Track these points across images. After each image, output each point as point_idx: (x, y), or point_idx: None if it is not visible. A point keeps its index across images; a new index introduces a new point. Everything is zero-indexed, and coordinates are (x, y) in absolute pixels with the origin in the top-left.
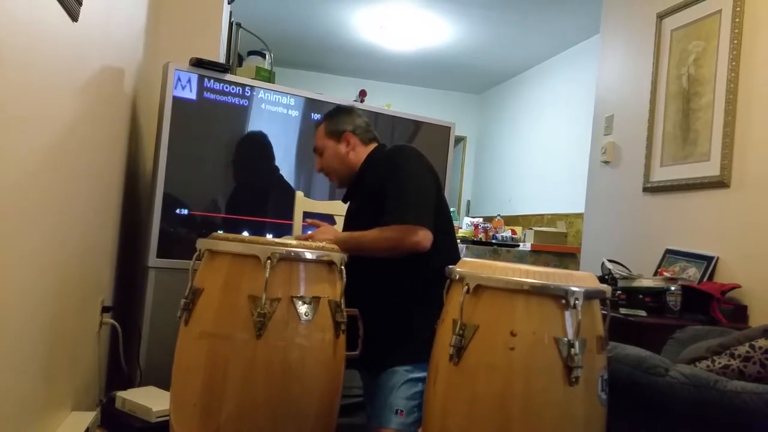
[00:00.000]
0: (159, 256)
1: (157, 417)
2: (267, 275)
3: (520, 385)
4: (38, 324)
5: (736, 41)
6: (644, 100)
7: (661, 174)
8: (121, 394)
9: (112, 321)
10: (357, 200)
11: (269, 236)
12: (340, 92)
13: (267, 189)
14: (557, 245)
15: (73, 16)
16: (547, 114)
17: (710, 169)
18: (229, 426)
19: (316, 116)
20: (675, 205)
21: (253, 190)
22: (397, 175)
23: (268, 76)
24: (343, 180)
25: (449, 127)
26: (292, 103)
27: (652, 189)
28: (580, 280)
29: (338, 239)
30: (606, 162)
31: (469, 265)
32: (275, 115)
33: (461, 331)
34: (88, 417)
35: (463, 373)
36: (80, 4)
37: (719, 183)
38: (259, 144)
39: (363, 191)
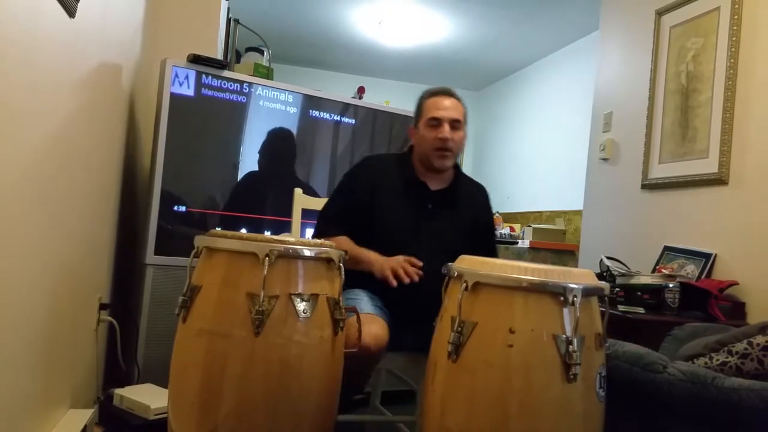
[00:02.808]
0: (157, 253)
1: (155, 414)
2: (265, 272)
3: (519, 382)
4: (35, 321)
5: (734, 38)
6: (643, 97)
7: (660, 171)
8: (119, 391)
9: (109, 318)
10: (452, 209)
11: (267, 233)
12: (338, 89)
13: (282, 184)
14: (556, 242)
15: (71, 12)
16: (545, 111)
17: (708, 166)
18: (227, 423)
19: (315, 113)
20: (673, 202)
21: (268, 184)
22: (494, 228)
23: (266, 73)
24: (449, 166)
25: None
26: (291, 100)
27: (650, 186)
28: (579, 277)
29: None
30: (605, 159)
31: (468, 262)
32: (273, 111)
33: (459, 328)
34: (86, 414)
35: (461, 370)
36: (77, 0)
37: (717, 180)
38: (283, 142)
39: (461, 210)
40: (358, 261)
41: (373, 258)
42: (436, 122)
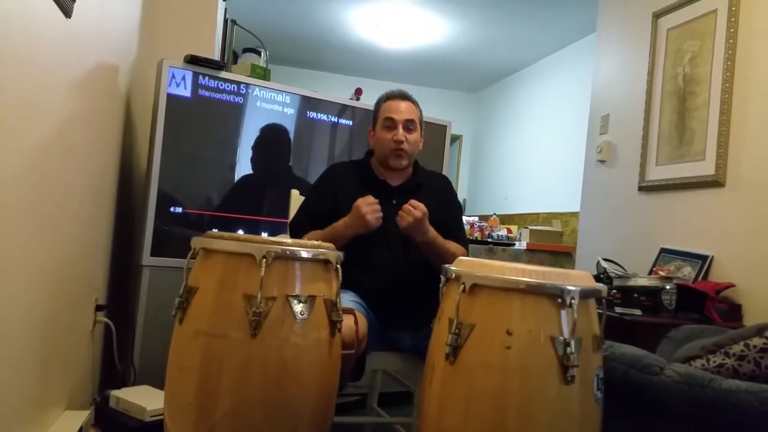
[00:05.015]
0: (153, 254)
1: (152, 416)
2: (262, 274)
3: (516, 384)
4: (32, 323)
5: (731, 41)
6: (640, 99)
7: (657, 173)
8: (115, 392)
9: (105, 320)
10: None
11: (264, 235)
12: (335, 90)
13: (279, 185)
14: (553, 244)
15: (67, 13)
16: (543, 113)
17: (705, 168)
18: (224, 425)
19: (312, 114)
20: (670, 204)
21: (265, 185)
22: (459, 206)
23: (264, 74)
24: (405, 165)
25: (445, 126)
26: (288, 101)
27: (647, 188)
28: (576, 279)
29: (431, 231)
30: (601, 161)
31: (465, 264)
32: (270, 112)
33: (457, 330)
34: (82, 416)
35: (459, 372)
36: (74, 0)
37: (714, 182)
38: (275, 138)
39: (424, 199)
40: (336, 236)
41: (342, 223)
42: (391, 124)
